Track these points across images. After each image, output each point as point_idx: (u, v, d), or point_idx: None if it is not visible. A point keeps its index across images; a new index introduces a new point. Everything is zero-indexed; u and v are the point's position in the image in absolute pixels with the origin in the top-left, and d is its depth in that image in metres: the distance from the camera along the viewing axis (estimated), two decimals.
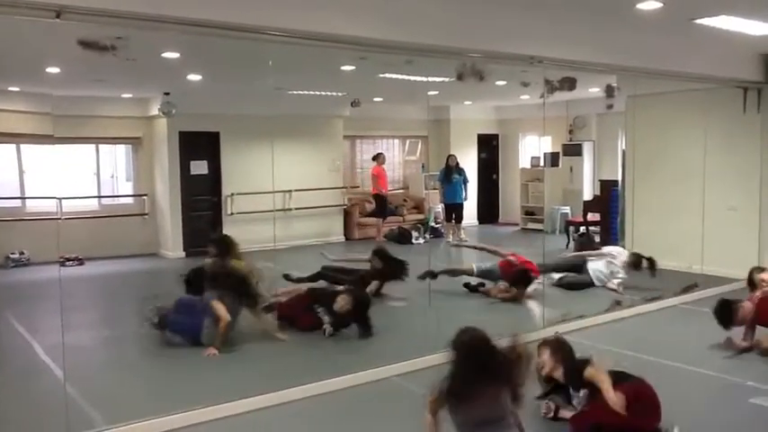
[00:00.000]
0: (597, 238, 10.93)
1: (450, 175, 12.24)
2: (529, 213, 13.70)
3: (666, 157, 9.08)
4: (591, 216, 11.18)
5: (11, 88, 9.83)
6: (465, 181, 12.37)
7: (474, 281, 7.93)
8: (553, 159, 13.25)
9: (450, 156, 12.58)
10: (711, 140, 8.44)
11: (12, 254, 10.19)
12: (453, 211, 12.26)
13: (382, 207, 12.48)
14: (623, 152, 10.03)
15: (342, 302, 6.17)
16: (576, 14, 5.70)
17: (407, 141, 14.70)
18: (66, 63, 6.70)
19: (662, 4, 5.27)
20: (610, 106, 10.85)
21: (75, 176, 10.96)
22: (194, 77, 8.85)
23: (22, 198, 10.73)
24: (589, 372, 4.06)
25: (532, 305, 7.37)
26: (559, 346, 4.39)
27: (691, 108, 8.75)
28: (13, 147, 10.56)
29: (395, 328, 6.56)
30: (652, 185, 9.19)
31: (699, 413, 4.49)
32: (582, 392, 4.16)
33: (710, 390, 5.02)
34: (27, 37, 5.69)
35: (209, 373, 5.37)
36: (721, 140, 8.48)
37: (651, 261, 7.82)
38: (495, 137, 15.12)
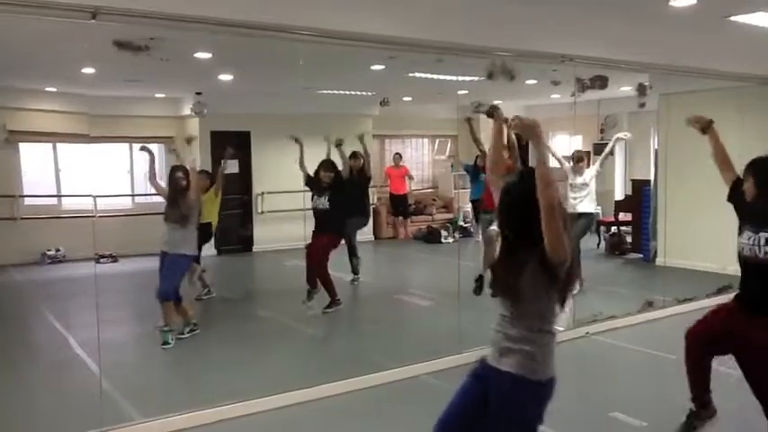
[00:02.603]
0: (628, 238, 10.82)
1: (479, 174, 12.18)
2: None
3: (700, 156, 8.76)
4: (622, 216, 11.05)
5: (48, 88, 10.04)
6: None
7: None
8: None
9: (478, 156, 12.52)
10: (747, 140, 8.26)
11: (48, 251, 10.41)
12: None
13: (395, 207, 12.51)
14: (656, 151, 9.89)
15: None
16: (607, 12, 5.64)
17: (437, 140, 14.66)
18: (102, 64, 6.81)
19: (696, 1, 5.20)
20: (642, 105, 10.68)
21: (110, 175, 11.14)
22: (225, 77, 8.93)
23: (59, 196, 10.97)
24: None
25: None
26: None
27: (725, 107, 8.57)
28: (49, 146, 10.80)
29: (423, 327, 6.57)
30: (685, 185, 9.04)
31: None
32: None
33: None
34: (64, 38, 5.79)
35: (243, 369, 5.44)
36: (757, 140, 8.30)
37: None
38: None
